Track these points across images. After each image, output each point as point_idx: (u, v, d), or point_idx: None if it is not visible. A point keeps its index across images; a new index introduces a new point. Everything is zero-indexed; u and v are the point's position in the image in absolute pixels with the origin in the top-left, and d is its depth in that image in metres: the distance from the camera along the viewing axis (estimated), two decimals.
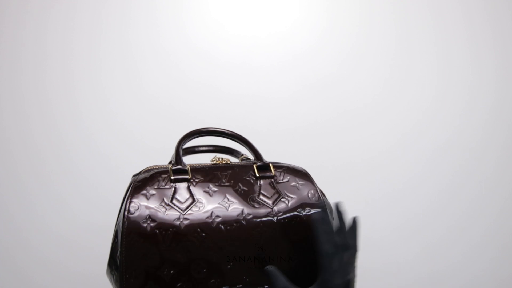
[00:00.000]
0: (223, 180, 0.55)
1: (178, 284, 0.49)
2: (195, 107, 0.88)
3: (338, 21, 0.91)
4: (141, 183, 0.52)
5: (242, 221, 0.51)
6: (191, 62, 0.90)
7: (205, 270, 0.50)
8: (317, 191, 0.56)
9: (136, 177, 0.54)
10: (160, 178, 0.53)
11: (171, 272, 0.49)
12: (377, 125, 0.88)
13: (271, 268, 0.50)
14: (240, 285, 0.51)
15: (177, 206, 0.51)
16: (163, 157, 0.86)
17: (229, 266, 0.50)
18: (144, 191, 0.51)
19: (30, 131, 0.89)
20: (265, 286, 0.51)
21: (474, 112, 0.88)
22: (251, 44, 0.90)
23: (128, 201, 0.50)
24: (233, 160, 0.62)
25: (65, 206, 0.86)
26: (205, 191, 0.53)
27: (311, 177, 0.57)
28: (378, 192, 0.86)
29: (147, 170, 0.55)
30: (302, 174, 0.57)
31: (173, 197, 0.52)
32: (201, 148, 0.63)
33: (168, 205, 0.51)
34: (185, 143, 0.58)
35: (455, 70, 0.90)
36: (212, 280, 0.50)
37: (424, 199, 0.86)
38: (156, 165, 0.56)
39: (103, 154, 0.87)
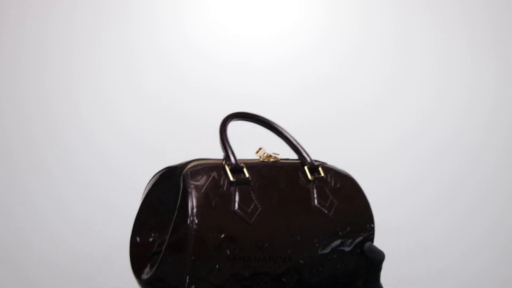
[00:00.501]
0: (281, 185, 0.52)
1: None
2: (195, 107, 0.88)
3: (338, 21, 0.91)
4: (199, 185, 0.46)
5: (304, 232, 0.51)
6: (191, 62, 0.90)
7: (268, 284, 0.48)
8: (367, 203, 0.59)
9: (184, 171, 0.47)
10: (219, 179, 0.48)
11: (239, 282, 0.46)
12: (377, 125, 0.88)
13: (367, 244, 0.56)
14: None
15: (242, 215, 0.47)
16: (164, 157, 0.86)
17: (294, 279, 0.50)
18: (207, 197, 0.46)
19: (30, 131, 0.89)
20: None
21: (474, 112, 0.88)
22: (251, 44, 0.90)
23: (192, 207, 0.44)
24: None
25: (65, 206, 0.86)
26: (266, 198, 0.50)
27: (357, 183, 0.60)
28: (378, 192, 0.86)
29: (197, 165, 0.48)
30: (349, 180, 0.60)
31: (236, 203, 0.47)
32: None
33: (234, 213, 0.47)
34: (229, 123, 0.56)
35: (455, 70, 0.90)
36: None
37: (424, 199, 0.86)
38: (202, 159, 0.50)
39: (103, 154, 0.87)
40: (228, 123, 0.55)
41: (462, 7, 0.92)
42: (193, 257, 0.43)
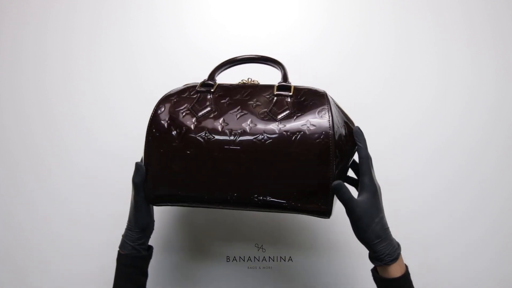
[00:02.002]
0: (241, 96, 0.60)
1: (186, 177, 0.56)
2: None
3: (338, 21, 0.91)
4: (173, 93, 0.63)
5: (247, 129, 0.56)
6: (191, 62, 0.90)
7: (210, 168, 0.55)
8: (328, 111, 0.56)
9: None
10: (189, 90, 0.62)
11: (181, 164, 0.56)
12: (376, 125, 0.88)
13: (337, 182, 0.54)
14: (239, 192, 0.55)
15: (194, 112, 0.59)
16: None
17: (230, 168, 0.55)
18: (172, 98, 0.61)
19: (30, 131, 0.89)
20: (255, 196, 0.55)
21: (474, 112, 0.88)
22: (251, 44, 0.90)
23: (157, 105, 0.61)
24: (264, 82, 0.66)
25: (65, 205, 0.86)
26: (222, 102, 0.59)
27: (328, 98, 0.59)
28: None
29: (186, 84, 0.65)
30: (320, 95, 0.59)
31: (193, 104, 0.60)
32: (239, 58, 0.67)
33: (188, 110, 0.59)
34: (220, 70, 0.65)
35: (455, 70, 0.90)
36: (216, 179, 0.55)
37: (424, 199, 0.86)
38: (196, 82, 0.65)
39: (103, 154, 0.87)
40: (221, 70, 0.65)
41: (462, 7, 0.92)
42: (146, 138, 0.59)
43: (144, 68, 0.90)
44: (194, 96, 0.61)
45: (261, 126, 0.55)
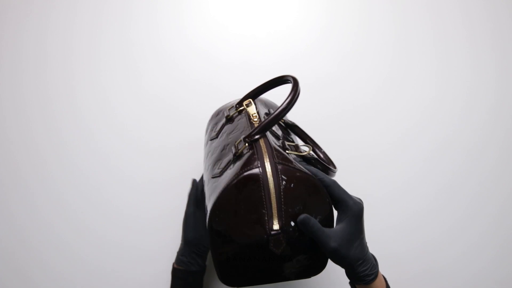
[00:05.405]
0: None
1: None
2: (195, 107, 0.88)
3: (338, 21, 0.92)
4: None
5: None
6: (191, 62, 0.90)
7: None
8: None
9: None
10: None
11: None
12: (376, 125, 0.88)
13: (302, 216, 0.48)
14: None
15: None
16: (164, 157, 0.87)
17: None
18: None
19: (30, 131, 0.89)
20: None
21: (473, 112, 0.88)
22: (251, 43, 0.91)
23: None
24: None
25: (65, 206, 0.86)
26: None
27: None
28: (376, 191, 0.86)
29: None
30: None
31: None
32: None
33: None
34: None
35: (454, 70, 0.90)
36: None
37: (423, 198, 0.86)
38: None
39: (103, 154, 0.87)
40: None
41: (462, 7, 0.92)
42: None
43: (144, 68, 0.90)
44: None
45: None
